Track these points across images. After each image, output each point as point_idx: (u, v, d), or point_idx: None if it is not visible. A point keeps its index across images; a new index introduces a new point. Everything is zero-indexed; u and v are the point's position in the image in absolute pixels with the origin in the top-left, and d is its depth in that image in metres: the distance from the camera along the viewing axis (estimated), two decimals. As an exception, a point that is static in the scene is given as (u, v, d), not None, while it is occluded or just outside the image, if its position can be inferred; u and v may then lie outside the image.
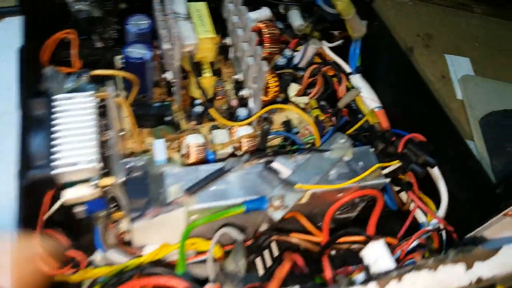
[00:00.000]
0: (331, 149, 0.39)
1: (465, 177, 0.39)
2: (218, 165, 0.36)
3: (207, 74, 0.45)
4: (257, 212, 0.34)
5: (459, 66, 0.70)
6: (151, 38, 0.46)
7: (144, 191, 0.34)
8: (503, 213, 0.35)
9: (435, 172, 0.42)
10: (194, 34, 0.43)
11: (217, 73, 0.50)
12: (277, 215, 0.34)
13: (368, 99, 0.51)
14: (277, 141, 0.47)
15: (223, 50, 0.50)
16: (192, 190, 0.34)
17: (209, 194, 0.35)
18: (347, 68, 0.52)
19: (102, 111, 0.38)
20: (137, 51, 0.44)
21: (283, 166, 0.36)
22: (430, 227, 0.38)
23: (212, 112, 0.43)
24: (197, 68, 0.45)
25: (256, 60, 0.41)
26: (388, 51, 0.49)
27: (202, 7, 0.47)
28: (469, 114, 0.63)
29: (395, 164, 0.40)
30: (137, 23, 0.46)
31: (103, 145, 0.36)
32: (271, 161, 0.36)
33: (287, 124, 0.49)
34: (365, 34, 0.52)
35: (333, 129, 0.44)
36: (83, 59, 0.47)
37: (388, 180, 0.38)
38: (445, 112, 0.42)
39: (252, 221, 0.37)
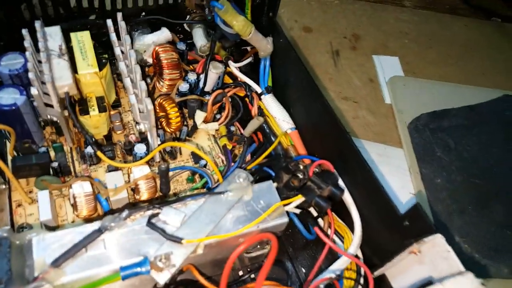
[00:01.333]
0: (228, 190, 0.35)
1: (375, 205, 0.37)
2: (95, 226, 0.32)
3: (94, 112, 0.40)
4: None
5: (388, 67, 0.68)
6: (27, 78, 0.41)
7: (3, 268, 0.30)
8: (408, 250, 0.32)
9: (348, 200, 0.39)
10: (68, 73, 0.38)
11: (117, 103, 0.46)
12: (162, 278, 0.31)
13: (281, 120, 0.48)
14: (185, 175, 0.44)
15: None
16: (59, 261, 0.30)
17: (82, 262, 0.31)
18: (258, 88, 0.49)
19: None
20: (8, 97, 0.39)
21: (171, 218, 0.33)
22: (331, 275, 0.35)
23: (99, 154, 0.39)
24: (82, 106, 0.40)
25: (141, 100, 0.37)
26: (293, 68, 0.46)
27: (85, 37, 0.43)
28: (398, 119, 0.61)
29: (297, 200, 0.37)
30: (10, 63, 0.42)
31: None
32: (156, 214, 0.32)
33: (195, 156, 0.45)
34: (274, 51, 0.49)
35: (237, 164, 0.40)
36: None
37: (286, 220, 0.34)
38: (347, 135, 0.39)
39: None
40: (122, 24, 0.41)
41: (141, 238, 0.32)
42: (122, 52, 0.41)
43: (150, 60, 0.49)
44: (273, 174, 0.41)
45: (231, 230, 0.33)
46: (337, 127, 0.41)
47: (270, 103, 0.49)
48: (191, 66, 0.51)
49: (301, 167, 0.40)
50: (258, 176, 0.42)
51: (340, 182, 0.40)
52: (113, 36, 0.41)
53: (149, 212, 0.33)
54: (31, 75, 0.36)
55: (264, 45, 0.48)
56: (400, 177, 0.55)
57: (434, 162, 0.56)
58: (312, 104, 0.45)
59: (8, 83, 0.41)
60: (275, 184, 0.37)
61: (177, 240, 0.31)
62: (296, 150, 0.47)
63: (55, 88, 0.38)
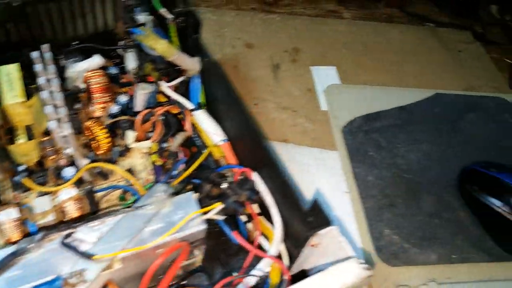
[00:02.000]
0: (146, 204, 0.37)
1: (289, 204, 0.39)
2: (11, 249, 0.34)
3: (21, 140, 0.43)
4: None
5: (325, 77, 0.72)
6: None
7: None
8: (308, 244, 0.35)
9: (268, 202, 0.42)
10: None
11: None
12: (75, 295, 0.33)
13: (212, 134, 0.50)
14: (116, 194, 0.46)
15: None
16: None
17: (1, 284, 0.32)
18: (189, 105, 0.52)
19: None
20: None
21: (87, 236, 0.35)
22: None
23: (25, 181, 0.41)
24: (10, 135, 0.43)
25: (61, 126, 0.39)
26: (219, 83, 0.49)
27: (14, 70, 0.45)
28: (333, 124, 0.64)
29: (216, 207, 0.39)
30: None
31: None
32: (71, 233, 0.34)
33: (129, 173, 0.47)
34: (204, 69, 0.52)
35: (165, 179, 0.43)
36: None
37: (203, 228, 0.37)
38: (262, 141, 0.42)
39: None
40: (46, 56, 0.44)
41: (56, 258, 0.34)
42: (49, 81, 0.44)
43: (82, 86, 0.51)
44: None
45: (148, 243, 0.36)
46: (255, 135, 0.44)
47: (201, 118, 0.52)
48: (126, 89, 0.54)
49: (224, 176, 0.43)
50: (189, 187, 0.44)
51: (260, 186, 0.43)
52: (36, 67, 0.43)
53: (65, 232, 0.35)
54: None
55: (191, 65, 0.51)
56: (335, 178, 0.58)
57: (366, 161, 0.60)
58: (235, 115, 0.48)
59: None
60: (196, 195, 0.40)
61: (88, 256, 0.33)
62: (227, 160, 0.50)
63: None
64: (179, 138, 0.45)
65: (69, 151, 0.44)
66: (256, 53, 0.75)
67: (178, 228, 0.36)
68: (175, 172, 0.46)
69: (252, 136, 0.46)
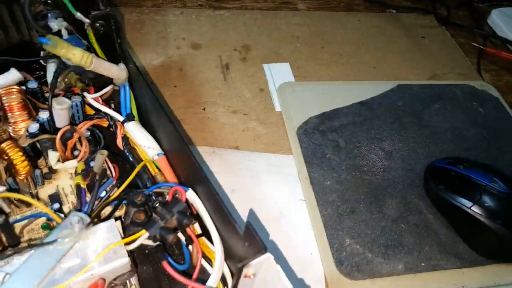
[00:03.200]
0: (59, 238, 0.34)
1: (224, 225, 0.37)
2: None
3: None
4: None
5: (278, 74, 0.70)
6: None
7: None
8: (242, 275, 0.32)
9: (206, 223, 0.39)
10: None
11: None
12: None
13: (146, 147, 0.47)
14: (40, 222, 0.42)
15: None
16: None
17: None
18: (119, 117, 0.49)
19: None
20: None
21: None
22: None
23: None
24: None
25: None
26: (145, 92, 0.46)
27: None
28: (287, 126, 0.62)
29: (141, 236, 0.36)
30: None
31: None
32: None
33: (54, 197, 0.44)
34: (130, 77, 0.49)
35: (89, 203, 0.40)
36: None
37: (125, 261, 0.34)
38: (188, 151, 0.39)
39: None
40: None
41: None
42: None
43: (-1, 104, 0.48)
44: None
45: (61, 283, 0.32)
46: (183, 147, 0.41)
47: (133, 131, 0.49)
48: (47, 104, 0.51)
49: (161, 196, 0.40)
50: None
51: (198, 207, 0.40)
52: None
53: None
54: None
55: (116, 72, 0.48)
56: (290, 185, 0.56)
57: (323, 165, 0.58)
58: (164, 125, 0.45)
59: None
60: (118, 223, 0.37)
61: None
62: (164, 176, 0.47)
63: None
64: (100, 157, 0.42)
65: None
66: (204, 54, 0.72)
67: (92, 264, 0.33)
68: (101, 195, 0.43)
69: (181, 148, 0.43)
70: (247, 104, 0.66)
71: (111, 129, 0.50)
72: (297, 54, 0.75)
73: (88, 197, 0.43)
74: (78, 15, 0.46)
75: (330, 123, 0.63)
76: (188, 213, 0.39)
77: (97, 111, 0.50)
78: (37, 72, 0.53)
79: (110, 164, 0.47)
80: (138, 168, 0.46)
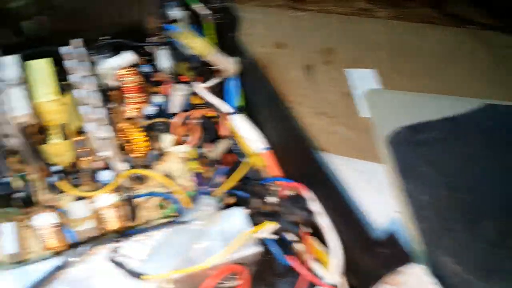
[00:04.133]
0: (194, 218, 0.36)
1: (349, 228, 0.38)
2: (57, 261, 0.32)
3: (55, 140, 0.41)
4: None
5: (363, 80, 0.71)
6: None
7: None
8: (383, 281, 0.33)
9: (322, 224, 0.40)
10: (25, 103, 0.39)
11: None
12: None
13: (252, 141, 0.49)
14: (155, 201, 0.44)
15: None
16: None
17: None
18: (227, 109, 0.50)
19: None
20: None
21: (135, 251, 0.33)
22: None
23: (62, 185, 0.39)
24: (43, 134, 0.41)
25: (100, 128, 0.38)
26: (260, 86, 0.47)
27: (46, 65, 0.44)
28: (376, 133, 0.63)
29: (268, 226, 0.37)
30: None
31: None
32: (118, 248, 0.33)
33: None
34: (242, 70, 0.50)
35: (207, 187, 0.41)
36: None
37: (258, 250, 0.35)
38: (314, 154, 0.40)
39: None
40: (80, 51, 0.42)
41: (103, 275, 0.33)
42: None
43: (114, 84, 0.49)
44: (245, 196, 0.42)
45: (200, 262, 0.34)
46: (303, 146, 0.42)
47: (239, 123, 0.50)
48: (159, 88, 0.53)
49: (272, 190, 0.41)
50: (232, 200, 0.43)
51: (313, 205, 0.41)
52: (67, 63, 0.41)
53: (111, 246, 0.34)
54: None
55: (228, 65, 0.49)
56: (382, 195, 0.57)
57: (417, 178, 0.58)
58: (279, 122, 0.47)
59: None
60: (245, 210, 0.38)
61: (137, 275, 0.31)
62: (271, 172, 0.48)
63: (14, 118, 0.38)
64: (222, 145, 0.44)
65: (106, 153, 0.42)
66: (287, 53, 0.74)
67: (232, 249, 0.35)
68: (215, 182, 0.45)
69: (300, 145, 0.44)
70: (333, 107, 0.67)
71: (217, 119, 0.52)
72: (380, 62, 0.76)
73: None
74: (198, 6, 0.48)
75: (421, 136, 0.64)
76: (310, 211, 0.40)
77: (204, 100, 0.52)
78: (143, 57, 0.55)
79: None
80: (250, 161, 0.47)
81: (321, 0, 0.87)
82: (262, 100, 0.49)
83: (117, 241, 0.33)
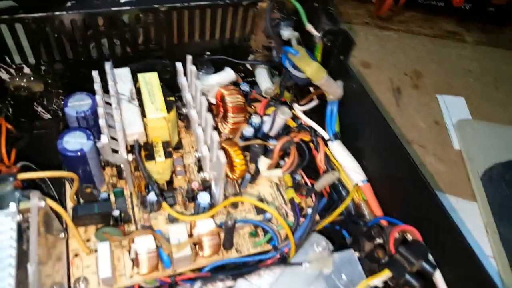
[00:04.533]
0: (306, 261, 0.34)
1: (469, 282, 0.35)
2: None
3: (160, 159, 0.41)
4: None
5: (453, 108, 0.68)
6: (94, 120, 0.42)
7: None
8: None
9: (438, 279, 0.38)
10: (139, 120, 0.39)
11: (177, 146, 0.46)
12: None
13: (351, 171, 0.47)
14: (247, 229, 0.43)
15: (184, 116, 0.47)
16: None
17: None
18: (324, 134, 0.49)
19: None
20: (75, 141, 0.40)
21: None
22: None
23: (165, 206, 0.39)
24: (148, 151, 0.41)
25: (213, 151, 0.37)
26: (366, 114, 0.46)
27: (153, 79, 0.44)
28: (469, 168, 0.60)
29: (384, 275, 0.35)
30: (77, 104, 0.43)
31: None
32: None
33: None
34: (348, 95, 0.49)
35: (307, 223, 0.40)
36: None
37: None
38: (434, 194, 0.38)
39: None
40: (192, 69, 0.42)
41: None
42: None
43: (213, 101, 0.49)
44: (347, 236, 0.41)
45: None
46: (420, 183, 0.40)
47: (339, 151, 0.49)
48: (253, 107, 0.52)
49: (378, 231, 0.39)
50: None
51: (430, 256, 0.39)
52: (183, 80, 0.41)
53: (222, 285, 0.33)
54: (101, 122, 0.37)
55: (334, 89, 0.48)
56: (476, 236, 0.53)
57: (512, 219, 0.55)
58: (388, 154, 0.44)
59: (74, 125, 0.42)
60: (356, 254, 0.36)
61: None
62: (369, 206, 0.46)
63: (125, 135, 0.38)
64: (327, 178, 0.42)
65: (206, 175, 0.42)
66: (374, 74, 0.72)
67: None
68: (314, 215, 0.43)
69: (414, 185, 0.41)
70: (423, 135, 0.64)
71: (312, 144, 0.51)
72: (471, 90, 0.73)
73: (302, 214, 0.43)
74: (309, 27, 0.47)
75: (517, 174, 0.60)
76: (431, 261, 0.37)
77: (300, 123, 0.51)
78: (241, 74, 0.55)
79: (309, 183, 0.47)
80: (351, 194, 0.45)
81: (407, 20, 0.85)
82: (366, 128, 0.47)
83: (228, 280, 0.32)
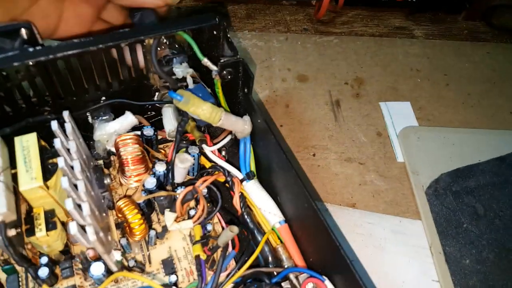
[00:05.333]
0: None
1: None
2: None
3: (40, 233, 0.37)
4: None
5: (398, 115, 0.63)
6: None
7: None
8: None
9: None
10: (3, 199, 0.35)
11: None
12: None
13: (267, 212, 0.43)
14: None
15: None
16: None
17: None
18: (238, 174, 0.45)
19: None
20: None
21: None
22: None
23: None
24: (29, 225, 0.37)
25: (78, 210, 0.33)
26: (273, 151, 0.42)
27: (31, 141, 0.40)
28: (413, 182, 0.56)
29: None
30: None
31: None
32: None
33: (167, 264, 0.41)
34: (253, 130, 0.45)
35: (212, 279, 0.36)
36: None
37: None
38: (329, 233, 0.34)
39: None
40: (67, 127, 0.38)
41: None
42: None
43: (114, 150, 0.46)
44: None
45: None
46: (314, 217, 0.36)
47: (254, 191, 0.45)
48: (162, 151, 0.48)
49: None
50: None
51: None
52: (56, 142, 0.37)
53: None
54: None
55: (241, 126, 0.44)
56: (420, 260, 0.49)
57: (459, 237, 0.51)
58: (294, 193, 0.41)
59: None
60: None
61: None
62: (287, 250, 0.42)
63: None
64: (227, 234, 0.38)
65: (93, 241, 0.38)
66: (311, 87, 0.67)
67: None
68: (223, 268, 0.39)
69: (314, 221, 0.38)
70: (363, 150, 0.60)
71: (227, 185, 0.47)
72: (418, 92, 0.68)
73: (208, 271, 0.40)
74: (205, 61, 0.43)
75: (465, 183, 0.55)
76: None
77: (213, 164, 0.47)
78: (148, 113, 0.51)
79: (224, 226, 0.44)
80: (264, 238, 0.41)
81: (351, 20, 0.80)
82: (275, 166, 0.43)
83: None
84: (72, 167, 0.39)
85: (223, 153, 0.49)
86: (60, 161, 0.38)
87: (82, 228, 0.36)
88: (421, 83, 0.69)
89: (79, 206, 0.36)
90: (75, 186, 0.38)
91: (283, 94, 0.66)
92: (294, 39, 0.75)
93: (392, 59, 0.73)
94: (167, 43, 0.44)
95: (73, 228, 0.35)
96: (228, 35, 0.44)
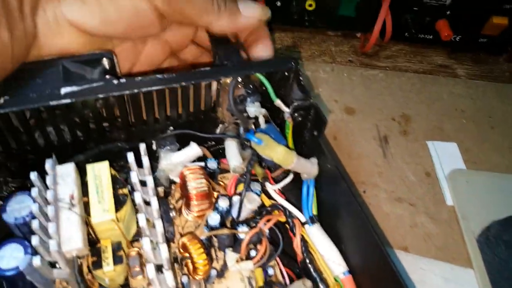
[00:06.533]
0: None
1: None
2: None
3: (108, 268, 0.35)
4: None
5: (445, 156, 0.61)
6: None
7: None
8: None
9: None
10: (78, 233, 0.33)
11: (137, 236, 0.40)
12: None
13: (330, 261, 0.41)
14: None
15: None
16: None
17: None
18: (301, 217, 0.43)
19: None
20: (10, 256, 0.34)
21: None
22: None
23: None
24: (96, 258, 0.35)
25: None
26: (343, 198, 0.39)
27: (103, 170, 0.38)
28: (463, 228, 0.53)
29: None
30: (17, 208, 0.37)
31: None
32: None
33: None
34: (319, 173, 0.42)
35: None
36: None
37: None
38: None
39: None
40: (144, 161, 0.36)
41: None
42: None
43: (177, 180, 0.43)
44: None
45: None
46: (387, 271, 0.34)
47: (317, 237, 0.42)
48: (222, 183, 0.46)
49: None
50: None
51: None
52: (134, 177, 0.35)
53: None
54: (34, 241, 0.31)
55: (308, 169, 0.42)
56: (474, 312, 0.47)
57: (514, 290, 0.48)
58: (366, 249, 0.38)
59: (16, 233, 0.36)
60: None
61: None
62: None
63: (62, 252, 0.32)
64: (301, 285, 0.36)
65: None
66: (359, 121, 0.65)
67: None
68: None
69: (387, 279, 0.35)
70: (413, 190, 0.57)
71: (287, 225, 0.44)
72: (464, 133, 0.65)
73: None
74: (278, 102, 0.41)
75: (517, 233, 0.53)
76: None
77: (274, 202, 0.45)
78: (208, 142, 0.49)
79: (284, 273, 0.41)
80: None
81: (394, 54, 0.78)
82: (343, 214, 0.41)
83: None
84: (147, 203, 0.36)
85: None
86: (137, 197, 0.36)
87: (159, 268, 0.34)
88: (467, 124, 0.67)
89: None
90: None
91: (331, 126, 0.64)
92: (340, 71, 0.72)
93: (437, 97, 0.70)
94: (242, 82, 0.42)
95: (151, 272, 0.33)
96: (300, 77, 0.42)
